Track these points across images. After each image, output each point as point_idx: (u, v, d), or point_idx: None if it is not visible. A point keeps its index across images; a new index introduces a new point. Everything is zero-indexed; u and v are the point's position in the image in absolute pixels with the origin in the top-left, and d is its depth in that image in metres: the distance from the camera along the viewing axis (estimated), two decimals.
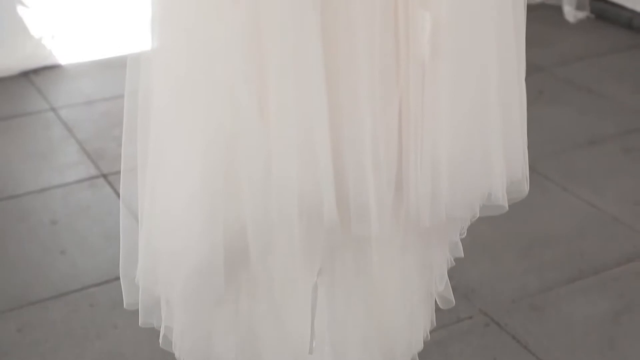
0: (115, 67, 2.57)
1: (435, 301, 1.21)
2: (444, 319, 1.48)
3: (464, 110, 1.01)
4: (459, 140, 1.02)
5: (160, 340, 1.08)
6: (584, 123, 2.34)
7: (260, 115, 0.96)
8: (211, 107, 0.96)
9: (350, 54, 0.95)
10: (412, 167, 1.02)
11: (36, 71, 2.57)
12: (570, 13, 2.94)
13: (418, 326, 1.19)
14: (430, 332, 1.23)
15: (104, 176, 2.13)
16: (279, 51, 0.92)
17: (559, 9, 2.99)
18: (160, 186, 1.02)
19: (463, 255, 1.21)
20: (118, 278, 1.09)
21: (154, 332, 1.10)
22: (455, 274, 1.25)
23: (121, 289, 1.08)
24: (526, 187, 1.11)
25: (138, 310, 1.06)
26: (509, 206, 1.08)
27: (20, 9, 2.53)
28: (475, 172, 1.04)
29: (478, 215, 1.08)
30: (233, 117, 0.96)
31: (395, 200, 1.04)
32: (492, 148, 1.04)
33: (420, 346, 1.20)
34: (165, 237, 1.01)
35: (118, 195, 2.04)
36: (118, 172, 2.25)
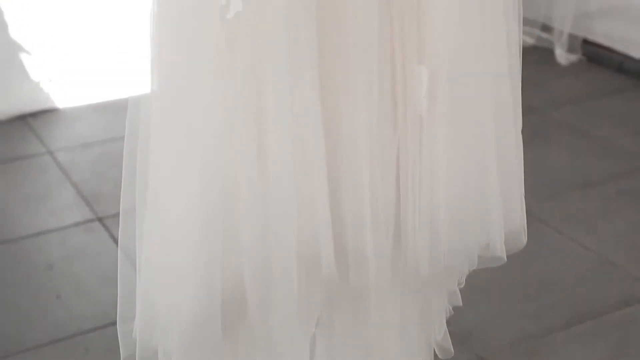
0: (112, 110, 2.59)
1: (434, 350, 1.21)
2: None
3: (462, 162, 1.02)
4: (456, 191, 1.03)
5: None
6: (578, 165, 2.36)
7: (258, 166, 0.96)
8: (209, 158, 0.96)
9: (348, 106, 0.97)
10: (410, 217, 1.03)
11: (34, 115, 2.59)
12: (562, 56, 2.98)
13: None
14: None
15: (100, 219, 2.13)
16: (277, 104, 0.93)
17: (550, 52, 3.03)
18: (158, 235, 1.02)
19: (461, 304, 1.21)
20: (113, 323, 1.09)
21: None
22: (451, 317, 1.26)
23: (117, 333, 1.07)
24: (524, 238, 1.12)
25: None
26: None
27: (18, 53, 2.55)
28: (473, 223, 1.05)
29: (476, 266, 1.09)
30: (231, 169, 0.97)
31: (393, 250, 1.05)
32: (489, 199, 1.05)
33: None
34: (163, 289, 1.01)
35: (113, 238, 2.03)
36: (114, 215, 2.26)
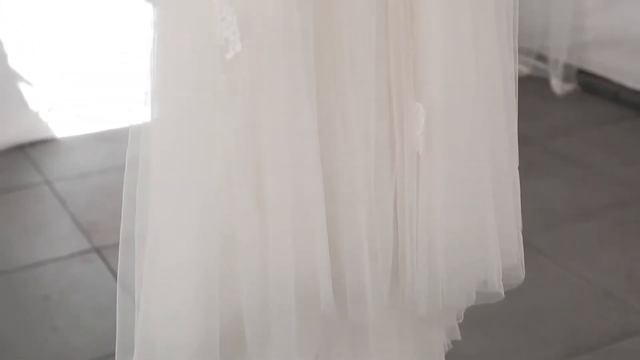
0: (110, 139, 2.60)
1: None
2: None
3: (459, 200, 1.03)
4: (454, 229, 1.03)
5: None
6: (574, 195, 2.36)
7: (257, 206, 0.97)
8: (208, 198, 0.97)
9: (345, 145, 0.97)
10: (408, 255, 1.03)
11: (32, 144, 2.59)
12: (558, 85, 3.00)
13: None
14: None
15: (97, 250, 2.13)
16: (276, 144, 0.94)
17: (546, 81, 3.05)
18: (158, 273, 1.02)
19: (460, 338, 1.21)
20: (111, 355, 1.08)
21: None
22: (450, 351, 1.25)
23: None
24: (522, 273, 1.12)
25: None
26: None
27: (17, 83, 2.56)
28: (471, 260, 1.06)
29: (474, 302, 1.09)
30: (230, 209, 0.97)
31: (392, 287, 1.05)
32: (487, 235, 1.06)
33: None
34: (162, 325, 1.01)
35: (110, 269, 2.03)
36: (111, 246, 2.25)
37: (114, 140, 2.57)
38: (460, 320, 1.18)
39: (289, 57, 0.90)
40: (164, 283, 1.01)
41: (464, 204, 1.03)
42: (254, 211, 0.97)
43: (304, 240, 0.98)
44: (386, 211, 1.02)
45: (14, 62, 2.56)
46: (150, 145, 0.98)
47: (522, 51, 3.04)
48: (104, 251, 2.12)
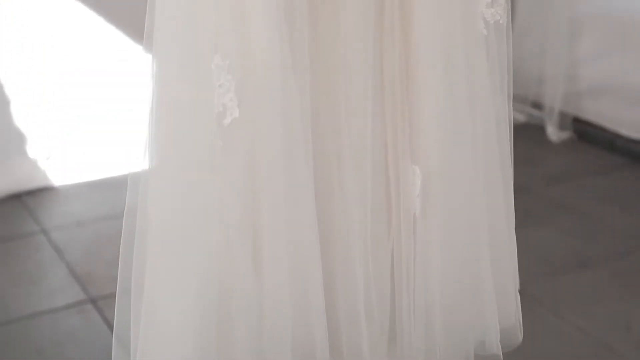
0: (108, 187, 2.60)
1: None
2: None
3: (455, 261, 1.03)
4: (451, 290, 1.03)
5: None
6: (572, 245, 2.36)
7: (254, 264, 0.97)
8: (205, 253, 0.97)
9: (342, 206, 0.98)
10: (405, 316, 1.03)
11: (29, 193, 2.59)
12: (554, 133, 3.02)
13: None
14: None
15: (92, 301, 2.11)
16: (272, 205, 0.94)
17: (542, 129, 3.07)
18: (153, 325, 1.01)
19: None
20: None
21: None
22: None
23: None
24: (520, 334, 1.11)
25: None
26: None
27: (16, 131, 2.57)
28: (468, 321, 1.05)
29: None
30: (227, 264, 0.97)
31: (389, 346, 1.04)
32: (483, 296, 1.06)
33: None
34: None
35: (106, 321, 2.01)
36: (106, 297, 2.23)
37: (111, 189, 2.57)
38: None
39: (286, 122, 0.91)
40: (161, 339, 1.00)
41: (461, 265, 1.03)
42: (251, 270, 0.97)
43: (301, 299, 0.98)
44: (383, 271, 1.02)
45: (14, 110, 2.57)
46: (147, 196, 0.99)
47: (518, 99, 3.06)
48: (99, 302, 2.10)
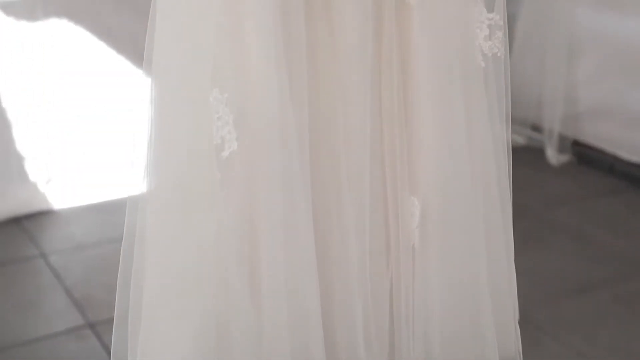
0: (107, 210, 2.59)
1: None
2: None
3: (454, 292, 1.02)
4: (450, 320, 1.03)
5: None
6: (572, 269, 2.35)
7: (251, 295, 0.96)
8: (203, 286, 0.96)
9: (341, 237, 0.98)
10: (404, 346, 1.03)
11: (29, 216, 2.59)
12: (553, 156, 3.02)
13: None
14: None
15: (91, 326, 2.10)
16: (271, 236, 0.94)
17: (541, 152, 3.07)
18: (151, 355, 1.01)
19: None
20: None
21: None
22: None
23: None
24: None
25: None
26: None
27: (16, 155, 2.58)
28: (468, 351, 1.05)
29: None
30: (225, 297, 0.97)
31: None
32: (483, 327, 1.05)
33: None
34: None
35: (105, 347, 2.00)
36: (105, 322, 2.22)
37: (112, 211, 2.57)
38: None
39: (285, 154, 0.91)
40: None
41: (460, 297, 1.03)
42: (249, 303, 0.97)
43: (299, 331, 0.98)
44: (382, 303, 1.02)
45: (15, 134, 2.58)
46: (146, 222, 0.98)
47: (517, 121, 3.07)
48: (98, 327, 2.09)
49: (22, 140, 2.57)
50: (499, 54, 0.99)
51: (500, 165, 1.06)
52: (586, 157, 2.99)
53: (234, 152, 0.89)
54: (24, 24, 2.47)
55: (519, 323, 1.18)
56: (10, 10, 2.44)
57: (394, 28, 0.95)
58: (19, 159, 2.58)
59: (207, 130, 0.89)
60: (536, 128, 3.12)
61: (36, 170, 2.60)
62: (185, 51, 0.93)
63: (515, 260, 1.16)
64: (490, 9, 0.98)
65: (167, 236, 0.96)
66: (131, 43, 2.48)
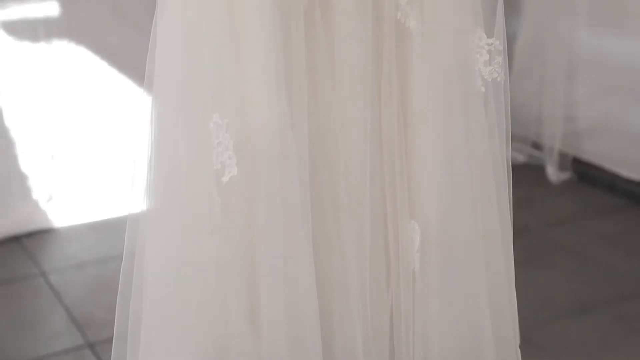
0: (108, 228, 2.59)
1: None
2: None
3: (455, 316, 1.02)
4: (450, 344, 1.02)
5: None
6: (574, 289, 2.34)
7: (250, 320, 0.96)
8: (201, 309, 0.96)
9: (341, 262, 0.98)
10: None
11: (29, 235, 2.59)
12: (554, 174, 3.02)
13: None
14: None
15: (90, 346, 2.10)
16: (271, 262, 0.94)
17: (542, 169, 3.07)
18: None
19: None
20: None
21: None
22: None
23: None
24: None
25: None
26: None
27: (17, 173, 2.58)
28: None
29: None
30: (224, 321, 0.96)
31: None
32: (484, 350, 1.05)
33: None
34: None
35: None
36: (105, 341, 2.21)
37: (113, 230, 2.57)
38: None
39: (285, 179, 0.91)
40: None
41: (461, 322, 1.02)
42: (249, 327, 0.96)
43: (299, 357, 0.97)
44: (382, 327, 1.02)
45: (17, 152, 2.58)
46: (145, 241, 0.98)
47: (518, 139, 3.07)
48: (97, 347, 2.08)
49: (24, 158, 2.58)
50: (498, 79, 1.00)
51: (500, 188, 1.05)
52: (587, 175, 2.99)
53: (234, 177, 0.89)
54: (26, 44, 2.48)
55: (520, 343, 1.17)
56: (12, 30, 2.46)
57: (394, 53, 0.96)
58: (20, 177, 2.58)
59: (207, 155, 0.89)
60: (536, 146, 3.12)
61: (37, 188, 2.60)
62: (186, 75, 0.93)
63: (515, 280, 1.16)
64: (490, 35, 0.98)
65: (166, 257, 0.96)
66: (133, 63, 2.49)
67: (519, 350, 1.12)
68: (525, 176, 2.97)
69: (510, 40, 3.07)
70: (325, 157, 0.95)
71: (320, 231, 0.96)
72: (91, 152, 2.70)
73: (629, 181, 2.86)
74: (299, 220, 0.93)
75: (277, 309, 0.95)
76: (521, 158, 3.06)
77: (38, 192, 2.60)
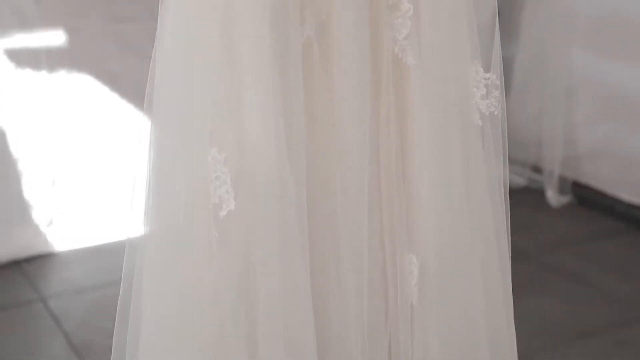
0: (110, 253, 2.59)
1: None
2: None
3: (454, 349, 1.02)
4: None
5: None
6: (574, 314, 2.33)
7: (249, 356, 0.96)
8: (199, 347, 0.96)
9: (339, 297, 0.98)
10: None
11: (29, 259, 2.58)
12: (554, 197, 3.02)
13: None
14: None
15: None
16: (269, 296, 0.94)
17: (542, 193, 3.07)
18: None
19: None
20: None
21: None
22: None
23: None
24: None
25: None
26: None
27: (18, 198, 2.58)
28: None
29: None
30: (223, 353, 0.96)
31: None
32: None
33: None
34: None
35: None
36: None
37: (113, 254, 2.55)
38: None
39: (283, 213, 0.91)
40: None
41: (459, 353, 1.02)
42: (246, 358, 0.96)
43: None
44: (380, 358, 1.01)
45: (18, 177, 2.58)
46: (143, 268, 0.98)
47: (518, 162, 3.08)
48: None
49: (25, 183, 2.58)
50: (495, 112, 1.00)
51: (498, 220, 1.06)
52: (587, 198, 2.99)
53: (232, 211, 0.89)
54: (28, 72, 2.49)
55: None
56: (14, 57, 2.47)
57: (392, 87, 0.96)
58: (21, 202, 2.58)
59: (204, 188, 0.90)
60: (536, 169, 3.12)
61: (38, 213, 2.60)
62: (184, 108, 0.93)
63: (514, 305, 1.16)
64: (487, 69, 0.99)
65: (164, 285, 0.96)
66: (134, 90, 2.51)
67: None
68: (525, 200, 2.97)
69: (509, 62, 3.08)
70: (323, 190, 0.95)
71: (318, 265, 0.96)
72: (92, 177, 2.70)
73: (629, 205, 2.86)
74: (296, 254, 0.93)
75: (275, 342, 0.95)
76: (521, 181, 3.06)
77: (38, 216, 2.60)
